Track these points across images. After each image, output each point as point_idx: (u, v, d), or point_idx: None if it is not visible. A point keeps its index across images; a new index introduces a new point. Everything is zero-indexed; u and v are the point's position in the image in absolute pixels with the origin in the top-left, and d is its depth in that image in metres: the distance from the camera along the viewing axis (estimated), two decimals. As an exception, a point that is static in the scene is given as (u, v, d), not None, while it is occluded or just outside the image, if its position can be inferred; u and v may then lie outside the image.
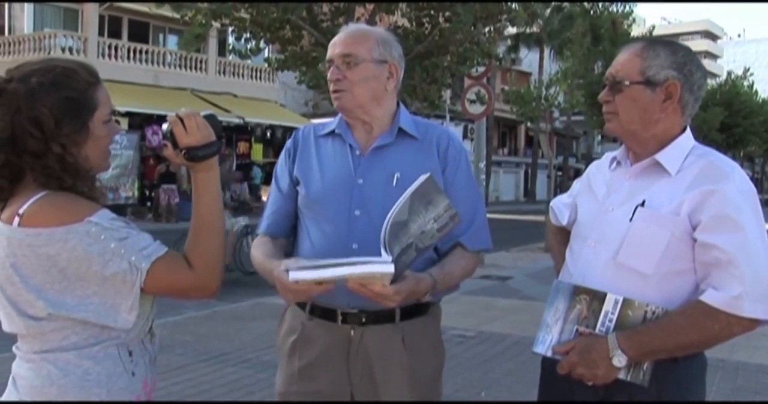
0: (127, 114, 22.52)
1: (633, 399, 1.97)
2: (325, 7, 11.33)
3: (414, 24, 11.55)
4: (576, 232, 2.24)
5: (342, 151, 2.37)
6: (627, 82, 2.02)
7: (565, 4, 36.92)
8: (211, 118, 1.87)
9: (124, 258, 1.70)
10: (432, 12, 11.38)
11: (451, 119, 33.46)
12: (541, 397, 2.26)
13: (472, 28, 10.97)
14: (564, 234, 2.33)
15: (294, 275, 1.90)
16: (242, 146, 27.09)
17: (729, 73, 53.56)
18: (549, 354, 2.04)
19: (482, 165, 13.37)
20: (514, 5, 11.54)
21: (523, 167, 51.27)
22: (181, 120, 1.81)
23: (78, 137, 1.75)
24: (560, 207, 2.40)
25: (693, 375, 2.03)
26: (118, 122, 1.79)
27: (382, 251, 1.89)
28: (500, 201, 46.04)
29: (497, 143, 49.29)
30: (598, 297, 1.99)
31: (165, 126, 1.84)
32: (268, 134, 26.99)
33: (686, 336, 1.90)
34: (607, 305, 1.97)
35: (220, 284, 1.84)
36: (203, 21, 10.64)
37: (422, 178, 2.00)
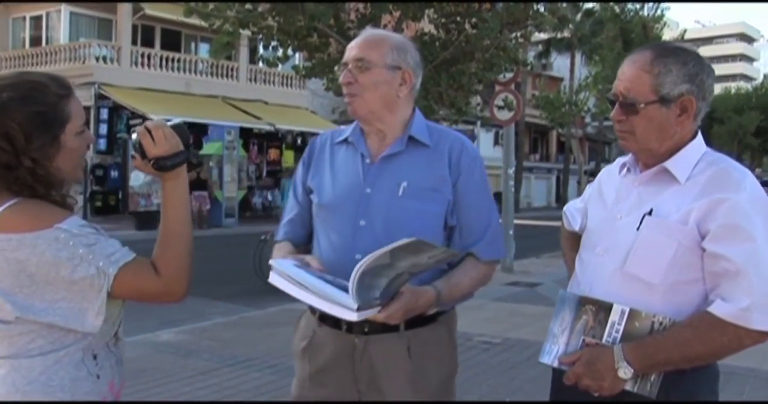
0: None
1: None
2: (352, 15, 11.39)
3: (441, 31, 11.55)
4: (585, 241, 2.20)
5: (354, 160, 2.37)
6: (642, 104, 1.97)
7: (596, 8, 36.68)
8: (179, 128, 1.90)
9: (92, 263, 1.74)
10: (458, 19, 11.37)
11: (482, 125, 33.40)
12: None
13: (499, 34, 10.93)
14: (576, 240, 2.30)
15: (273, 278, 1.98)
16: (273, 153, 27.25)
17: (765, 76, 52.76)
18: (555, 364, 2.01)
19: (511, 171, 13.31)
20: (541, 9, 11.48)
21: (555, 173, 50.93)
22: (149, 131, 1.85)
23: (50, 150, 1.79)
24: (573, 212, 2.37)
25: (702, 386, 1.98)
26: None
27: (350, 292, 1.89)
28: (532, 207, 45.79)
29: (529, 149, 49.02)
30: (604, 308, 1.96)
31: (134, 136, 1.88)
32: (299, 141, 27.12)
33: (693, 349, 1.85)
34: (614, 316, 1.94)
35: (187, 289, 1.88)
36: (231, 29, 10.74)
37: (405, 240, 1.90)
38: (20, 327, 1.75)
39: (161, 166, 1.86)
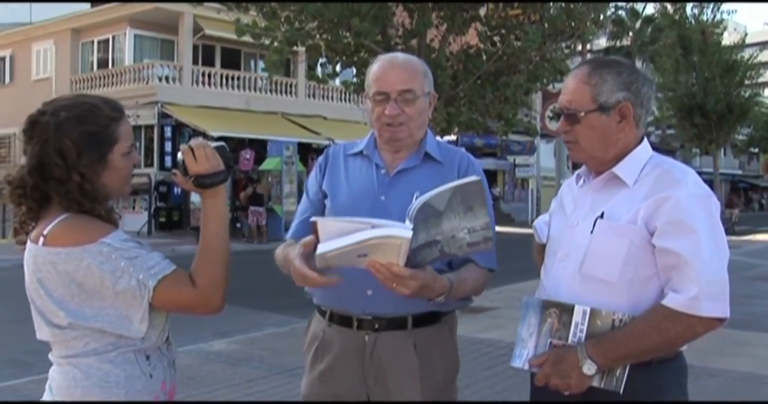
0: (220, 138, 23.29)
1: (610, 400, 2.03)
2: (399, 30, 11.55)
3: (488, 43, 11.62)
4: (548, 249, 2.33)
5: (368, 170, 2.53)
6: (582, 113, 2.13)
7: (656, 14, 36.14)
8: (221, 149, 2.03)
9: (133, 275, 1.89)
10: (503, 31, 11.46)
11: (542, 136, 33.17)
12: None
13: (543, 45, 10.97)
14: None
15: (321, 248, 2.00)
16: (331, 167, 27.48)
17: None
18: (526, 367, 2.11)
19: (563, 181, 13.25)
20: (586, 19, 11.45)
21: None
22: (192, 150, 1.99)
23: (97, 167, 1.97)
24: (541, 225, 2.48)
25: (668, 379, 2.09)
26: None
27: (406, 220, 2.00)
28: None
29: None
30: (567, 310, 2.07)
31: (180, 155, 2.02)
32: (358, 155, 27.32)
33: (650, 340, 1.97)
34: (576, 316, 2.05)
35: (223, 302, 2.00)
36: (279, 48, 11.02)
37: (471, 177, 2.09)
38: (74, 332, 1.93)
39: (200, 183, 1.99)
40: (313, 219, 2.09)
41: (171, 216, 24.18)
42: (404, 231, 1.97)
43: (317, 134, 26.08)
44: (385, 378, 2.40)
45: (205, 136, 22.61)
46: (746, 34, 33.53)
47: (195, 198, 21.58)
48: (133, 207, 24.01)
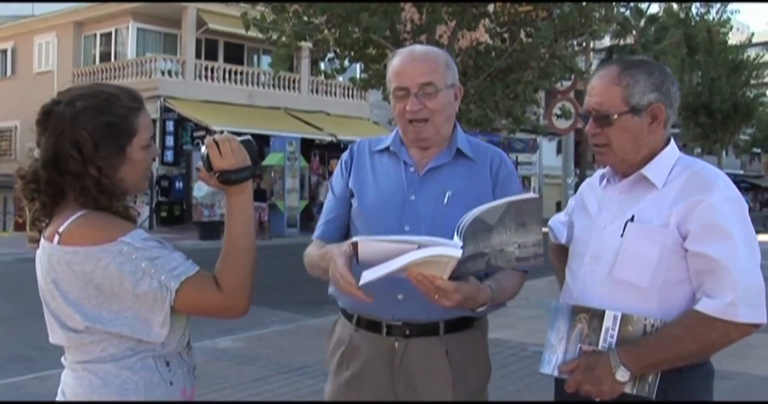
0: (222, 133, 23.21)
1: None
2: (408, 26, 11.49)
3: (497, 40, 11.57)
4: (573, 251, 2.26)
5: (396, 168, 2.40)
6: (615, 116, 2.06)
7: (661, 13, 36.06)
8: (247, 144, 1.90)
9: (154, 277, 1.76)
10: (513, 28, 11.40)
11: (545, 134, 33.04)
12: None
13: (554, 42, 10.90)
14: (564, 253, 2.35)
15: (366, 277, 1.89)
16: (334, 164, 27.47)
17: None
18: (555, 373, 2.06)
19: (570, 180, 13.20)
20: (596, 16, 11.38)
21: (620, 181, 50.04)
22: (217, 144, 1.86)
23: (115, 160, 1.83)
24: (558, 225, 2.42)
25: (699, 385, 2.05)
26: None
27: (455, 236, 1.90)
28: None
29: (592, 158, 48.29)
30: (597, 315, 2.02)
31: (203, 149, 1.89)
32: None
33: (685, 346, 1.92)
34: (607, 322, 2.00)
35: (248, 305, 1.87)
36: (287, 42, 10.94)
37: (529, 194, 2.00)
38: (91, 336, 1.80)
39: (225, 179, 1.86)
40: (354, 239, 1.98)
41: (172, 211, 24.11)
42: (454, 250, 1.87)
43: (320, 130, 26.00)
44: (415, 385, 2.30)
45: (207, 130, 22.55)
46: (753, 34, 33.42)
47: (197, 193, 21.66)
48: (135, 202, 23.80)
